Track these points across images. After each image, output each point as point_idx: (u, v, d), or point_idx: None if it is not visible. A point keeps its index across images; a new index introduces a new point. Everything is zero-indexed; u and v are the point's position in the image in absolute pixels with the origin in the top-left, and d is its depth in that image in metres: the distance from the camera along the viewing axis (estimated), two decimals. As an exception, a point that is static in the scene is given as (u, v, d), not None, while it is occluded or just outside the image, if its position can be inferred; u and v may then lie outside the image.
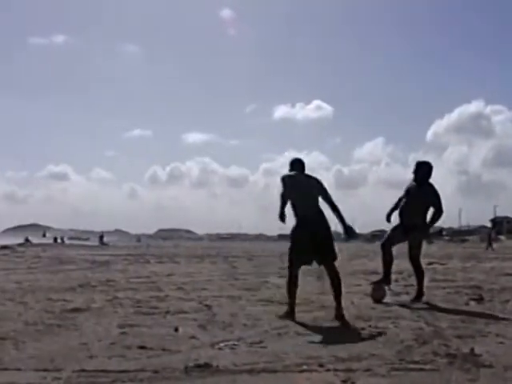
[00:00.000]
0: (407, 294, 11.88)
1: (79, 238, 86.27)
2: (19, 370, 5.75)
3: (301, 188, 9.09)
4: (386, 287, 11.33)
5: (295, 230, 9.11)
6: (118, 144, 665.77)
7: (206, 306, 10.13)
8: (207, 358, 6.15)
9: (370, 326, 8.25)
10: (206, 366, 5.81)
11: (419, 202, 11.04)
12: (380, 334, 7.69)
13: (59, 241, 76.06)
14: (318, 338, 7.45)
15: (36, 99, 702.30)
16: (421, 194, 11.05)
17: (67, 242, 74.85)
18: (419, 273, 11.17)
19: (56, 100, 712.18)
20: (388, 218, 11.54)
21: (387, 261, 11.33)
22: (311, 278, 15.38)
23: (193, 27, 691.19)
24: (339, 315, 8.78)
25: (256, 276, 16.59)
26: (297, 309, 9.61)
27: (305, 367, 5.90)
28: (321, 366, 5.96)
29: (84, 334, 7.59)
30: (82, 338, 7.29)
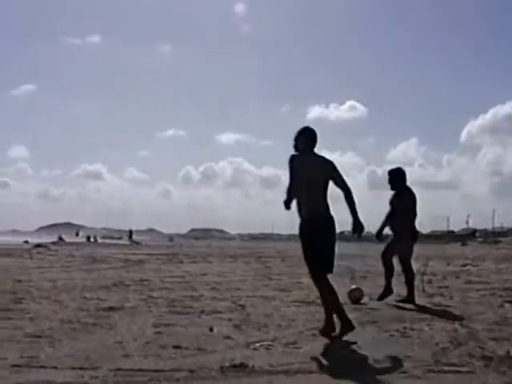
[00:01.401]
0: (441, 295, 11.84)
1: (112, 237, 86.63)
2: (56, 368, 5.80)
3: (310, 175, 7.77)
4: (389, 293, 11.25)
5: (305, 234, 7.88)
6: (152, 144, 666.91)
7: (240, 306, 10.15)
8: (243, 358, 6.16)
9: (404, 328, 8.21)
10: (242, 366, 5.83)
11: (403, 211, 11.12)
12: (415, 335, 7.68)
13: (92, 240, 76.39)
14: (353, 339, 7.43)
15: (70, 99, 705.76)
16: (402, 203, 11.13)
17: (100, 240, 75.13)
18: (409, 277, 11.19)
19: (90, 100, 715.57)
20: (378, 236, 11.57)
21: (387, 271, 11.29)
22: (346, 280, 15.37)
23: (224, 27, 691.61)
24: (329, 328, 7.75)
25: (289, 276, 16.57)
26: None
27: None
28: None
29: (119, 332, 7.64)
30: (117, 336, 7.35)
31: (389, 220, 11.30)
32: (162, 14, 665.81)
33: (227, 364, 5.87)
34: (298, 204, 7.81)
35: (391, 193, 11.32)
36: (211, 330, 7.83)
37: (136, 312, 9.38)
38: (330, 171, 7.84)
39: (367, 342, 7.28)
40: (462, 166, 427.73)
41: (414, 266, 11.44)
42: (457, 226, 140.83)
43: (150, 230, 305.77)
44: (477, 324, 8.55)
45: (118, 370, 5.67)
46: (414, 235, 11.32)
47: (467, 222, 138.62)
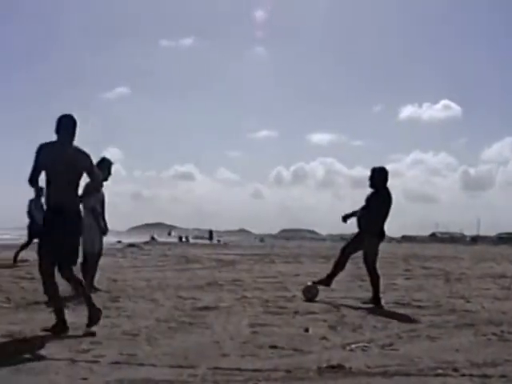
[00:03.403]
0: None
1: (203, 237, 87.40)
2: (154, 365, 5.89)
3: (62, 165, 7.63)
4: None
5: (50, 219, 7.75)
6: (244, 144, 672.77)
7: (335, 306, 10.11)
8: (339, 359, 6.14)
9: (502, 332, 8.05)
10: (339, 367, 5.80)
11: (375, 209, 11.08)
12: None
13: (184, 240, 77.13)
14: (450, 342, 7.32)
15: (164, 100, 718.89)
16: (377, 202, 11.10)
17: (192, 241, 75.80)
18: (373, 278, 11.12)
19: (183, 101, 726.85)
20: (344, 219, 11.61)
21: (338, 264, 11.53)
22: (440, 282, 15.17)
23: (316, 26, 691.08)
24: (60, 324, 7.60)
25: (382, 278, 16.38)
26: (426, 312, 9.52)
27: (439, 371, 5.82)
28: (455, 370, 5.86)
29: (215, 332, 7.70)
30: (213, 336, 7.41)
31: (359, 215, 11.31)
32: (254, 16, 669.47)
33: (324, 365, 5.86)
34: (47, 192, 7.78)
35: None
36: (307, 330, 7.82)
37: (231, 312, 9.44)
38: (84, 164, 7.83)
39: (464, 345, 7.15)
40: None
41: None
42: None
43: (241, 231, 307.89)
44: None
45: (216, 368, 5.71)
46: (381, 236, 11.30)
47: None
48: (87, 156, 7.91)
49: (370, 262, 11.15)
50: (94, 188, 9.14)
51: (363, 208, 11.25)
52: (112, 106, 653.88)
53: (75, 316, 8.67)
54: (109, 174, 12.15)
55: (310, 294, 11.15)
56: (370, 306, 10.43)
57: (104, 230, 12.12)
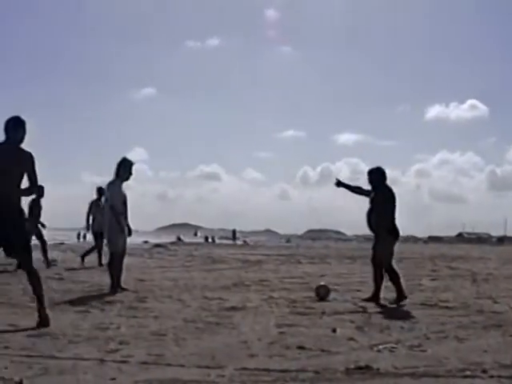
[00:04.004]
0: None
1: (229, 238, 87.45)
2: (182, 366, 5.90)
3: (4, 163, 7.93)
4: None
5: None
6: (270, 145, 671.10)
7: (362, 307, 10.08)
8: (367, 360, 6.12)
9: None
10: (367, 368, 5.78)
11: (381, 207, 11.04)
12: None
13: (210, 240, 77.28)
14: (478, 343, 7.28)
15: (190, 100, 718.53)
16: (380, 200, 11.07)
17: (218, 241, 75.91)
18: (392, 277, 11.03)
19: (209, 101, 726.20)
20: (338, 184, 11.81)
21: (376, 277, 11.27)
22: (467, 283, 15.10)
23: (340, 26, 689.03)
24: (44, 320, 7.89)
25: (408, 278, 16.31)
26: (454, 313, 9.48)
27: (468, 373, 5.78)
28: (484, 371, 5.82)
29: (243, 332, 7.71)
30: (240, 336, 7.42)
31: (368, 218, 11.25)
32: (280, 15, 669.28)
33: (352, 366, 5.84)
34: None
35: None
36: (334, 331, 7.81)
37: (258, 312, 9.45)
38: (26, 163, 8.03)
39: (492, 346, 7.11)
40: None
41: None
42: None
43: (267, 231, 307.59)
44: None
45: (244, 369, 5.72)
46: (395, 233, 11.20)
47: None
48: (31, 158, 8.10)
49: (386, 262, 11.05)
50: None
51: (369, 210, 11.23)
52: (138, 107, 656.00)
53: (103, 316, 8.75)
54: (130, 174, 12.34)
55: (322, 294, 11.26)
56: (397, 306, 10.39)
57: (123, 229, 12.23)
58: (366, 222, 11.32)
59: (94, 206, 18.67)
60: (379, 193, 11.11)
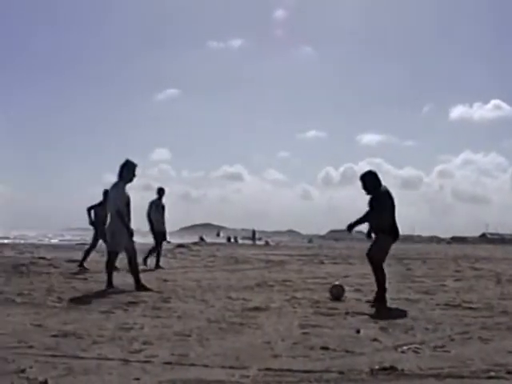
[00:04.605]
0: None
1: (249, 238, 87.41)
2: (206, 366, 5.91)
3: None
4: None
5: None
6: (292, 145, 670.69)
7: (385, 308, 10.04)
8: (391, 360, 6.11)
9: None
10: (392, 369, 5.77)
11: (379, 208, 11.05)
12: None
13: (232, 240, 77.34)
14: (502, 344, 7.24)
15: (213, 101, 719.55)
16: (378, 202, 11.06)
17: (240, 241, 75.94)
18: (378, 277, 10.96)
19: (232, 102, 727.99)
20: (349, 228, 11.53)
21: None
22: (491, 283, 15.02)
23: (364, 27, 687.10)
24: None
25: (432, 279, 16.29)
26: (478, 314, 9.43)
27: (492, 374, 5.75)
28: (508, 373, 5.79)
29: (266, 332, 7.71)
30: (264, 336, 7.41)
31: (368, 221, 11.25)
32: (303, 16, 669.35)
33: (376, 366, 5.83)
34: None
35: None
36: (358, 331, 7.79)
37: (281, 312, 9.44)
38: None
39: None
40: None
41: None
42: None
43: (290, 232, 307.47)
44: None
45: (268, 369, 5.72)
46: (395, 234, 11.18)
47: None
48: None
49: (378, 260, 11.05)
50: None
51: (368, 213, 11.21)
52: (162, 108, 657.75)
53: (127, 316, 8.78)
54: (133, 175, 12.55)
55: (336, 294, 11.35)
56: (422, 306, 10.35)
57: (130, 231, 12.36)
58: (367, 225, 11.36)
59: (153, 207, 18.64)
60: (375, 196, 11.11)
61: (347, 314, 9.33)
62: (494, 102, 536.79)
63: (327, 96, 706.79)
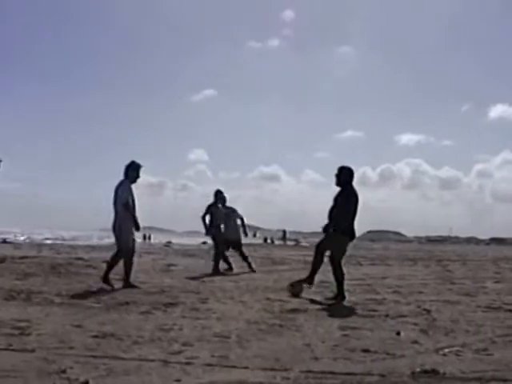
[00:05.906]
0: None
1: (289, 239, 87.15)
2: (246, 368, 5.90)
3: None
4: (307, 286, 12.01)
5: None
6: (330, 145, 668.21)
7: (425, 310, 9.93)
8: (433, 363, 6.04)
9: None
10: (433, 372, 5.71)
11: (343, 207, 11.33)
12: None
13: (269, 241, 77.41)
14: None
15: (250, 101, 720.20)
16: (343, 200, 11.35)
17: (276, 242, 75.94)
18: (337, 276, 11.41)
19: (269, 102, 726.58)
20: (324, 230, 11.77)
21: (315, 262, 11.84)
22: None
23: (402, 27, 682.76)
24: None
25: (472, 281, 16.13)
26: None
27: (537, 377, 5.68)
28: (553, 376, 5.71)
29: (306, 334, 7.68)
30: (304, 338, 7.39)
31: (329, 215, 11.57)
32: (341, 15, 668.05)
33: (418, 369, 5.78)
34: None
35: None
36: (398, 334, 7.72)
37: (320, 314, 9.41)
38: None
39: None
40: None
41: None
42: None
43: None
44: None
45: (309, 372, 5.70)
46: (351, 234, 11.53)
47: None
48: None
49: (336, 260, 11.44)
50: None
51: (332, 208, 11.49)
52: (199, 108, 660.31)
53: (166, 317, 8.79)
54: (137, 176, 12.88)
55: (294, 291, 11.74)
56: (462, 308, 10.24)
57: (137, 227, 12.77)
58: (326, 219, 11.65)
59: (213, 210, 18.49)
60: (343, 192, 11.39)
61: (387, 315, 9.25)
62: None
63: (364, 95, 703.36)
